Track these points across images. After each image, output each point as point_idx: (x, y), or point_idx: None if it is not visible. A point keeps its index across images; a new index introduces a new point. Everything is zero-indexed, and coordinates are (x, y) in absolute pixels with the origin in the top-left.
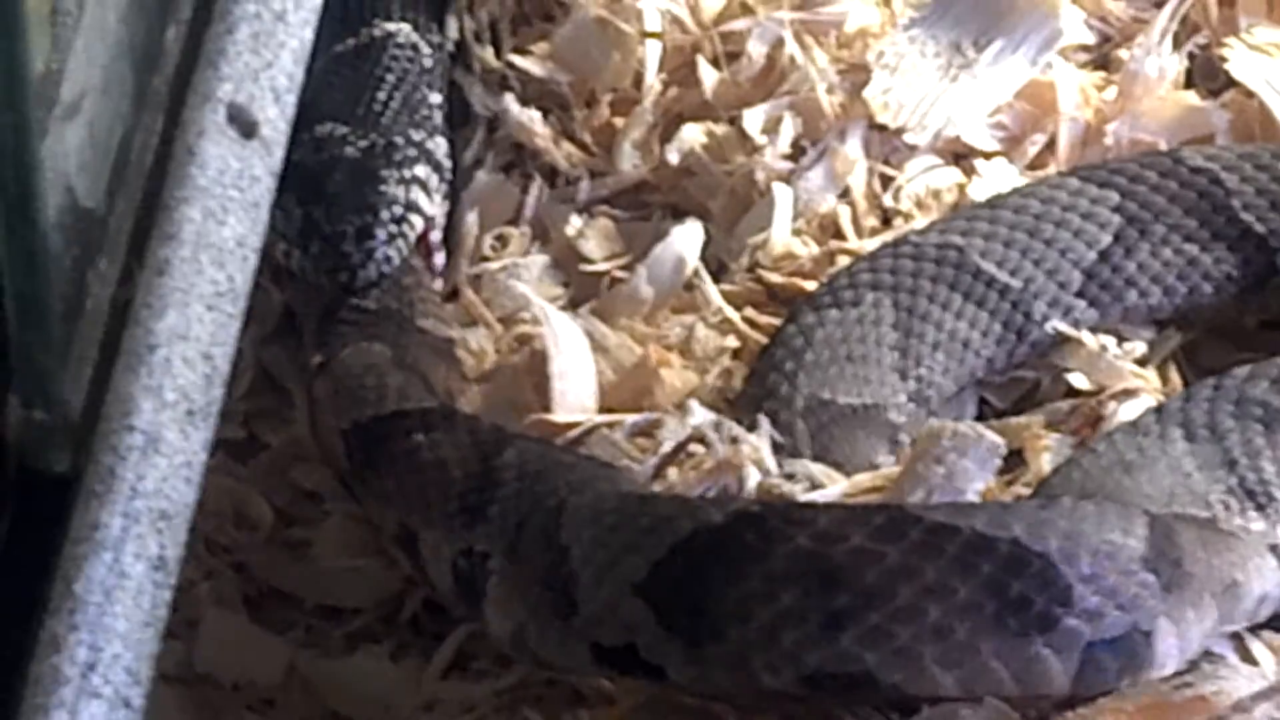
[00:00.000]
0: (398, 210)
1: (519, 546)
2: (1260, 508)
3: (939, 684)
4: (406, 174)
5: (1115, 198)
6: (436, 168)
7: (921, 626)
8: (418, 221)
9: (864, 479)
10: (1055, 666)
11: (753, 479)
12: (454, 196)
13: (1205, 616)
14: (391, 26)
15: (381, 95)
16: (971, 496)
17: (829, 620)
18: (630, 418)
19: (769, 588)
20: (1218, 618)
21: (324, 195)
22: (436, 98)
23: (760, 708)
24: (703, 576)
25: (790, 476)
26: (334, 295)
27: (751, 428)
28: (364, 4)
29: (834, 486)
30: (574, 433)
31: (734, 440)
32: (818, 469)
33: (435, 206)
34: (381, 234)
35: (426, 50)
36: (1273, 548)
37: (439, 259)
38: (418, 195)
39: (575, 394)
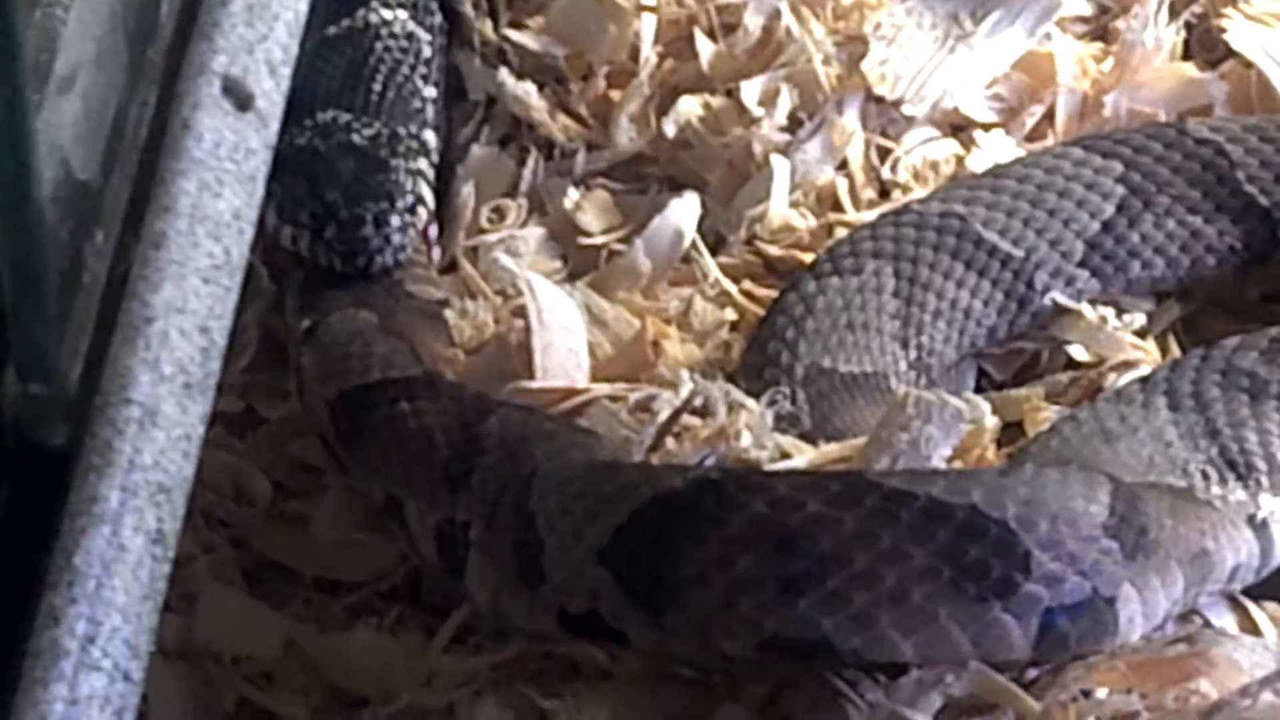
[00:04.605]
0: (410, 200)
1: (495, 515)
2: (1241, 478)
3: (897, 649)
4: (412, 165)
5: (1119, 168)
6: (431, 162)
7: (878, 592)
8: (423, 213)
9: (832, 449)
10: (1014, 632)
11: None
12: (449, 170)
13: (1171, 584)
14: (388, 14)
15: (378, 86)
16: (937, 463)
17: (786, 586)
18: (633, 395)
19: (726, 554)
20: (1185, 586)
21: (339, 180)
22: (431, 91)
23: (749, 675)
24: (662, 543)
25: (760, 446)
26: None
27: (754, 395)
28: None
29: (801, 457)
30: (562, 405)
31: (738, 406)
32: (787, 439)
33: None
34: (396, 221)
35: (424, 37)
36: (1250, 518)
37: (434, 241)
38: (422, 187)
39: (560, 368)
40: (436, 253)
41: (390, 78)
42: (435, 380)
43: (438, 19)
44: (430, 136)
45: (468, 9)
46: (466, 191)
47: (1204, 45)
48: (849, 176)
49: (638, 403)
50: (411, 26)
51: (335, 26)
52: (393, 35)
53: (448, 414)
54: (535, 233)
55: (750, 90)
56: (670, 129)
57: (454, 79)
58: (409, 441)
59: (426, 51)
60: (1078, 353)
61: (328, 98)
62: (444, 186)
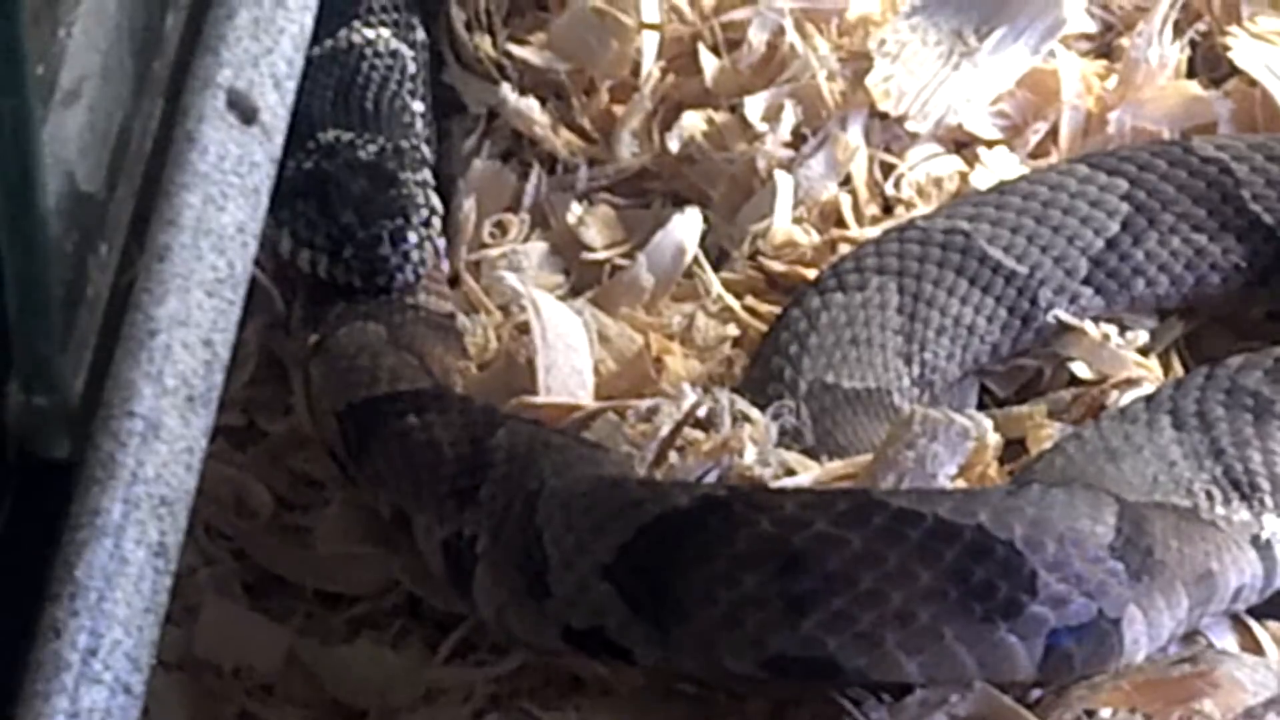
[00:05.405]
0: (424, 213)
1: (502, 530)
2: (1245, 498)
3: (902, 669)
4: (419, 176)
5: (1124, 185)
6: (432, 171)
7: (884, 612)
8: (437, 224)
9: (837, 466)
10: (1020, 653)
11: (751, 457)
12: (449, 185)
13: (1176, 605)
14: (370, 33)
15: (371, 103)
16: (943, 481)
17: (791, 605)
18: (637, 406)
19: (732, 572)
20: (1190, 607)
21: (352, 200)
22: (419, 106)
23: (754, 692)
24: (668, 560)
25: (764, 463)
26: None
27: (761, 408)
28: (342, 7)
29: (806, 473)
30: (565, 421)
31: (743, 418)
32: (792, 456)
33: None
34: (414, 236)
35: (409, 54)
36: (1254, 539)
37: (443, 253)
38: (434, 199)
39: (564, 386)
40: (446, 264)
41: (381, 94)
42: (444, 393)
43: (420, 35)
44: (426, 150)
45: (459, 26)
46: (468, 206)
47: (1208, 63)
48: (852, 192)
49: (641, 414)
50: (395, 44)
51: (319, 47)
52: (377, 54)
53: (456, 427)
54: (538, 248)
55: (754, 106)
56: (674, 144)
57: (450, 94)
58: (417, 455)
59: (411, 67)
60: (1080, 370)
61: (326, 118)
62: (444, 201)
